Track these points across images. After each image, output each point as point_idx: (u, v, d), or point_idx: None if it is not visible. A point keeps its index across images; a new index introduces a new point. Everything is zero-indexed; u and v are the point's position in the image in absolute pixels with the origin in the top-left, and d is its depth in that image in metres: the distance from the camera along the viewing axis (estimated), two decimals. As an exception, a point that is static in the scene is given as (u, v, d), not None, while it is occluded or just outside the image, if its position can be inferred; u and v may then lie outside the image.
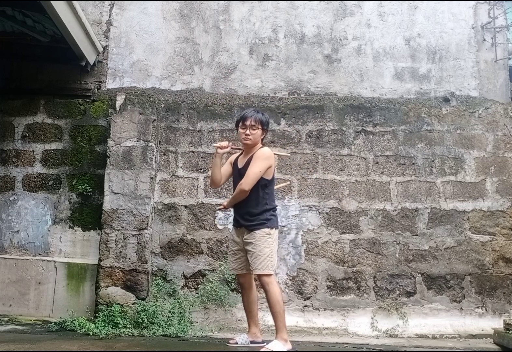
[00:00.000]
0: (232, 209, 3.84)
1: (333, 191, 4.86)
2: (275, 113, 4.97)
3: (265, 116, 3.75)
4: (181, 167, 4.90)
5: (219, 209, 4.21)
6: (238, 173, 3.70)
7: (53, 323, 4.21)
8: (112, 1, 5.31)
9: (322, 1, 5.34)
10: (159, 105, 4.97)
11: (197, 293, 4.60)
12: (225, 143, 3.74)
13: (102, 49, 5.17)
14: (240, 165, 3.73)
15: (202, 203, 4.80)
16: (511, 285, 4.73)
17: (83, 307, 4.62)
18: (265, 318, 4.49)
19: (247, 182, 3.51)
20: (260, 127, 3.65)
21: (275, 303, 3.45)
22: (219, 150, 3.71)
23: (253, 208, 3.57)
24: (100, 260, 4.53)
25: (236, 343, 3.65)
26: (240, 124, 3.69)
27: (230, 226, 4.68)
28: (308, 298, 4.65)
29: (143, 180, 4.67)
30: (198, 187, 4.85)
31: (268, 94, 5.16)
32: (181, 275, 4.68)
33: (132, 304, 4.38)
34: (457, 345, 4.19)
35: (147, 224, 4.60)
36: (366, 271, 4.71)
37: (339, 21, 5.33)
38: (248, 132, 3.62)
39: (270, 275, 3.47)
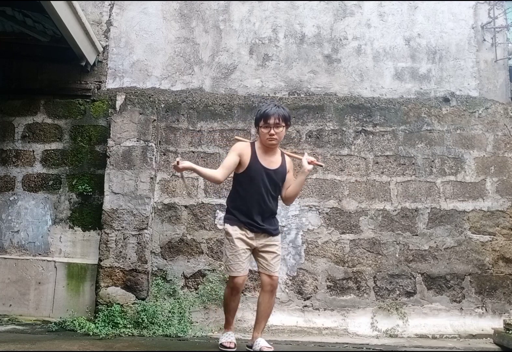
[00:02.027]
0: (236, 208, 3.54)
1: (333, 191, 4.86)
2: (275, 113, 4.96)
3: (286, 110, 3.52)
4: (181, 167, 4.89)
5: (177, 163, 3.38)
6: (266, 173, 3.45)
7: (53, 323, 4.21)
8: (112, 1, 5.31)
9: (322, 1, 5.34)
10: (159, 105, 4.97)
11: (197, 293, 4.60)
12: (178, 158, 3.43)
13: (102, 49, 5.17)
14: (267, 164, 3.47)
15: (202, 203, 4.80)
16: (511, 285, 4.73)
17: (83, 307, 4.62)
18: (265, 318, 4.50)
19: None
20: (283, 124, 3.43)
21: (272, 307, 3.52)
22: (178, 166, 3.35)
23: (275, 212, 3.59)
24: (100, 260, 4.53)
25: (235, 346, 3.54)
26: (262, 122, 3.42)
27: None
28: (308, 298, 4.65)
29: (143, 180, 4.67)
30: (198, 187, 4.85)
31: (268, 94, 5.16)
32: (181, 275, 4.68)
33: (132, 304, 4.38)
34: (457, 345, 4.19)
35: (147, 224, 4.60)
36: (366, 271, 4.71)
37: (339, 21, 5.33)
38: (272, 131, 3.38)
39: None
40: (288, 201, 3.65)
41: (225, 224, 3.50)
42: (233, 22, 5.31)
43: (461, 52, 5.27)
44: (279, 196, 3.61)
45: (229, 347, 3.47)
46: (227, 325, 3.65)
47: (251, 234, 3.45)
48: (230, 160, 3.46)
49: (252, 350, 3.45)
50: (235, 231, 3.42)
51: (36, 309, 4.73)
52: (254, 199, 3.45)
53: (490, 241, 4.80)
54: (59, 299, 4.73)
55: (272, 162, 3.52)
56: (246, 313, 4.49)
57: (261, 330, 3.52)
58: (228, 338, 3.53)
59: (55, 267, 4.80)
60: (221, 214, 4.75)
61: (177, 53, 5.27)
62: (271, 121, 3.38)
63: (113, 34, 5.28)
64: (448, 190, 4.89)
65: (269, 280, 3.43)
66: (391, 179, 4.90)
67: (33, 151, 5.07)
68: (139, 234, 4.57)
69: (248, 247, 3.46)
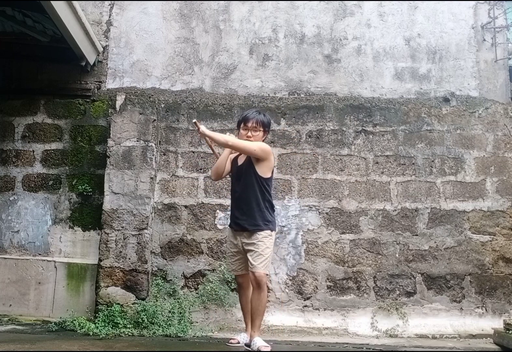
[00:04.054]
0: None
1: (333, 191, 4.86)
2: (275, 113, 4.97)
3: (267, 117, 3.77)
4: (181, 167, 4.90)
5: (194, 122, 3.62)
6: (237, 170, 3.72)
7: (53, 323, 4.21)
8: (112, 1, 5.31)
9: (322, 1, 5.33)
10: (159, 105, 4.97)
11: (197, 293, 4.60)
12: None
13: (102, 49, 5.17)
14: (240, 162, 3.73)
15: (202, 203, 4.80)
16: (511, 285, 4.73)
17: (83, 307, 4.62)
18: (265, 318, 4.48)
19: (236, 142, 3.55)
20: (261, 129, 3.67)
21: (263, 303, 3.55)
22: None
23: (255, 209, 3.56)
24: (100, 260, 4.53)
25: (238, 343, 3.65)
26: (242, 125, 3.69)
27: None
28: (308, 298, 4.65)
29: (143, 180, 4.67)
30: (198, 187, 4.85)
31: (268, 94, 5.16)
32: (181, 275, 4.68)
33: (132, 304, 4.38)
34: (457, 345, 4.19)
35: (147, 224, 4.59)
36: (366, 271, 4.71)
37: (339, 21, 5.32)
38: (249, 134, 3.63)
39: (265, 275, 3.53)
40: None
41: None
42: (233, 22, 5.31)
43: (461, 52, 5.27)
44: (262, 190, 3.59)
45: (230, 343, 3.67)
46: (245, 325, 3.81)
47: (234, 233, 3.66)
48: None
49: (250, 349, 3.46)
50: (227, 233, 3.73)
51: (36, 309, 4.73)
52: (233, 196, 3.74)
53: (490, 241, 4.79)
54: (59, 299, 4.73)
55: (244, 157, 3.69)
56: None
57: (256, 328, 3.54)
58: (236, 335, 3.78)
59: (55, 267, 4.80)
60: (221, 214, 4.76)
61: (177, 53, 5.26)
62: (249, 124, 3.64)
63: (113, 34, 5.27)
64: (448, 190, 4.89)
65: (252, 276, 3.52)
66: (391, 179, 4.90)
67: (33, 151, 5.07)
68: (139, 234, 4.57)
69: (236, 250, 3.66)
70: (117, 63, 5.23)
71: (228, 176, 3.93)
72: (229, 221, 3.84)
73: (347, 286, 4.68)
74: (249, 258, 3.53)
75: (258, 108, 4.72)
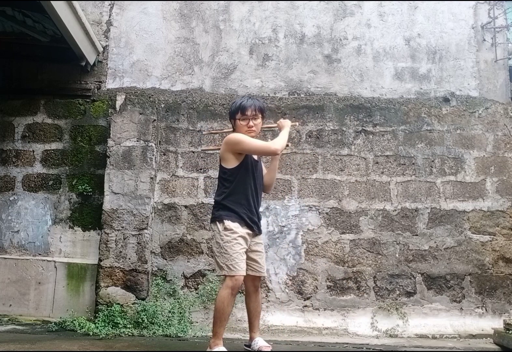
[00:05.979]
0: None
1: (333, 191, 4.86)
2: (275, 113, 4.96)
3: (261, 101, 3.50)
4: (181, 167, 4.90)
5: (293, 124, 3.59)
6: (254, 165, 3.44)
7: (53, 323, 4.22)
8: (112, 1, 5.31)
9: (322, 1, 5.34)
10: (159, 105, 4.97)
11: (197, 293, 4.60)
12: None
13: (102, 49, 5.17)
14: (255, 156, 3.48)
15: (202, 203, 4.80)
16: (511, 285, 4.73)
17: (83, 307, 4.62)
18: (265, 318, 4.51)
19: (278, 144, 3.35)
20: (260, 115, 3.40)
21: (261, 304, 3.58)
22: None
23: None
24: (100, 260, 4.53)
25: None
26: (239, 115, 3.34)
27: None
28: (308, 298, 4.65)
29: (143, 180, 4.67)
30: (198, 187, 4.85)
31: (268, 94, 5.16)
32: (181, 275, 4.68)
33: (132, 304, 4.38)
34: (457, 345, 4.19)
35: (147, 224, 4.59)
36: (366, 271, 4.71)
37: (339, 21, 5.32)
38: (251, 123, 3.33)
39: None
40: (269, 189, 3.64)
41: (225, 221, 3.22)
42: (233, 22, 5.31)
43: (461, 52, 5.27)
44: None
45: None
46: (219, 339, 3.21)
47: (250, 232, 3.30)
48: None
49: (250, 349, 3.45)
50: (237, 228, 3.22)
51: (36, 309, 4.73)
52: (250, 195, 3.33)
53: (490, 241, 4.79)
54: (59, 299, 4.73)
55: None
56: (246, 313, 4.48)
57: (258, 329, 3.52)
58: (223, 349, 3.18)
59: (55, 267, 4.80)
60: (221, 214, 4.75)
61: (177, 53, 5.26)
62: (249, 112, 3.32)
63: (113, 34, 5.27)
64: (448, 190, 4.89)
65: (253, 281, 3.39)
66: (391, 179, 4.90)
67: (33, 151, 5.07)
68: (139, 234, 4.57)
69: (246, 249, 3.30)
70: (117, 63, 5.23)
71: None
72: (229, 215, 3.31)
73: (347, 286, 4.68)
74: (259, 260, 3.38)
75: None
